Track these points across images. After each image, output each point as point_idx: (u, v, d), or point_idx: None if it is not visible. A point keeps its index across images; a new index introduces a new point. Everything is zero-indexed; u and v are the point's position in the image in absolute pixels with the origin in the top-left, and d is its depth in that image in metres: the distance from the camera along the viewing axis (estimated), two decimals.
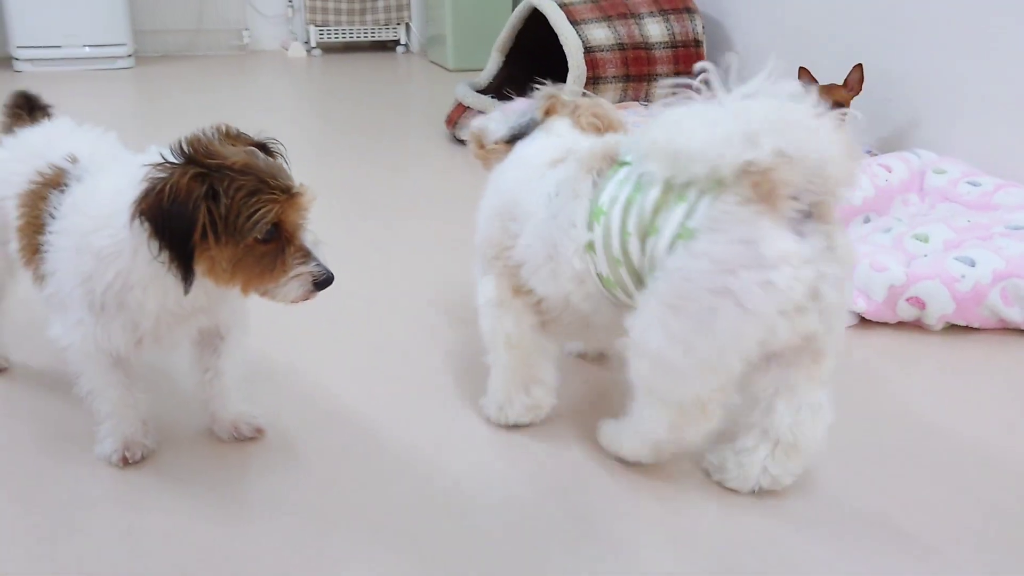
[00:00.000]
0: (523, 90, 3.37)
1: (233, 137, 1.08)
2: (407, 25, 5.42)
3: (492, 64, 3.45)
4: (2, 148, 1.33)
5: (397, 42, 5.47)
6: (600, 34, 2.99)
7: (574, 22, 2.99)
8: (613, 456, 1.28)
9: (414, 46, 5.46)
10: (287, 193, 1.04)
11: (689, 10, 3.12)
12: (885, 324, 1.74)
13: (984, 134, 2.34)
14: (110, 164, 1.19)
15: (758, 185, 1.02)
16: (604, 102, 1.54)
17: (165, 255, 1.01)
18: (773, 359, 1.14)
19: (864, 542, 1.12)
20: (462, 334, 1.70)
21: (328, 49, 5.44)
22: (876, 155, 2.45)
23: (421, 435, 1.35)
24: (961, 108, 2.40)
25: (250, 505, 1.18)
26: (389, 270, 2.02)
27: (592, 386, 1.51)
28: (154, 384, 1.46)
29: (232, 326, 1.25)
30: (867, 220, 2.19)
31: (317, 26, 5.25)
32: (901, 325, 1.74)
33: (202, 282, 1.06)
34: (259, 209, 1.00)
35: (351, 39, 5.36)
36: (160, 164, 1.02)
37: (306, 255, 1.07)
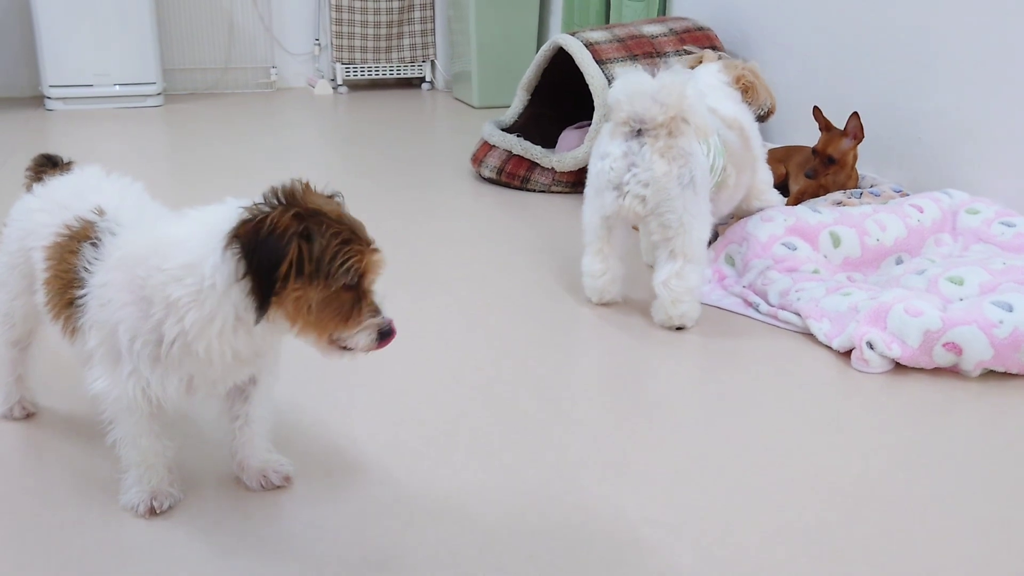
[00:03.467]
0: (549, 128, 3.41)
1: (312, 191, 1.13)
2: (432, 62, 5.46)
3: (518, 102, 3.47)
4: (33, 197, 1.33)
5: (423, 79, 5.51)
6: None
7: (600, 61, 2.99)
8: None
9: (439, 83, 5.50)
10: (370, 247, 1.11)
11: (714, 48, 3.12)
12: (920, 370, 1.71)
13: (1018, 174, 2.31)
14: (140, 216, 1.20)
15: (608, 118, 1.89)
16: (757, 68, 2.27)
17: (248, 282, 1.05)
18: (655, 241, 1.91)
19: None
20: (490, 376, 1.69)
21: (354, 86, 5.49)
22: (907, 195, 2.42)
23: (452, 484, 1.33)
24: (993, 147, 2.37)
25: (279, 557, 1.16)
26: (414, 311, 2.01)
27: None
28: (178, 431, 1.45)
29: (265, 373, 1.25)
30: (899, 261, 2.17)
31: (343, 64, 5.30)
32: (937, 371, 1.71)
33: (266, 326, 1.09)
34: (351, 257, 1.07)
35: (377, 76, 5.41)
36: (257, 205, 1.07)
37: (376, 309, 1.12)
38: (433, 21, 5.36)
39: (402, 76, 5.48)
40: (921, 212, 2.22)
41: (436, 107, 4.98)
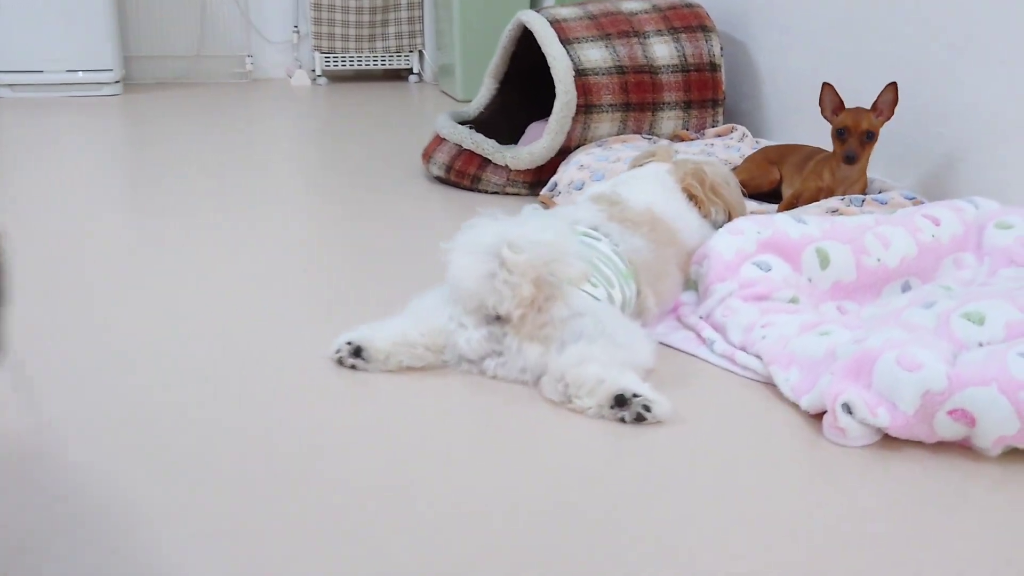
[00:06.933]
0: (520, 120, 2.97)
1: None
2: (420, 53, 5.04)
3: (484, 91, 3.03)
4: None
5: (410, 71, 5.09)
6: (595, 55, 2.54)
7: (565, 41, 2.54)
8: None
9: (427, 75, 5.08)
10: None
11: (705, 28, 2.66)
12: (919, 444, 1.24)
13: None
14: None
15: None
16: (719, 170, 1.86)
17: None
18: None
19: None
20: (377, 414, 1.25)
21: (336, 78, 5.09)
22: (922, 203, 1.95)
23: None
24: None
25: None
26: (322, 326, 1.59)
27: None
28: None
29: None
30: (907, 287, 1.70)
31: (323, 53, 4.90)
32: (941, 447, 1.24)
33: None
34: None
35: (361, 67, 5.00)
36: None
37: None
38: (421, 8, 4.94)
39: (389, 67, 5.06)
40: (937, 225, 1.74)
41: (419, 101, 4.56)
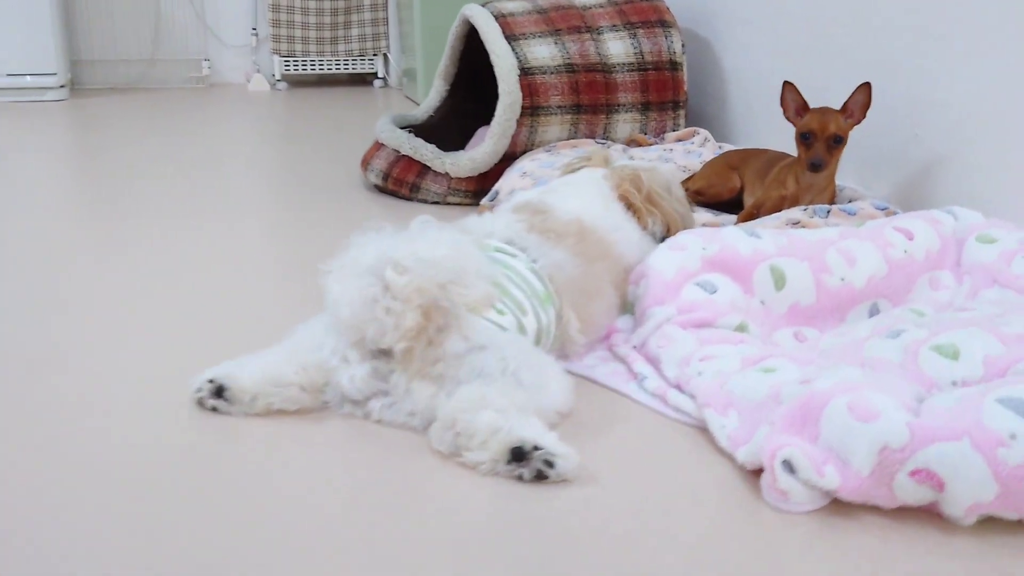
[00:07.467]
0: (472, 124, 2.76)
1: None
2: (385, 56, 4.83)
3: (434, 93, 2.84)
4: None
5: (375, 75, 4.88)
6: (543, 52, 2.33)
7: (511, 37, 2.33)
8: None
9: (393, 80, 4.86)
10: None
11: (664, 23, 2.45)
12: (876, 510, 1.02)
13: None
14: None
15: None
16: (659, 177, 1.64)
17: None
18: None
19: None
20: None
21: (297, 82, 4.88)
22: (895, 213, 1.74)
23: None
24: (1018, 151, 1.67)
25: None
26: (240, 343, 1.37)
27: None
28: None
29: None
30: (875, 311, 1.48)
31: (282, 56, 4.69)
32: (903, 514, 1.01)
33: None
34: None
35: (324, 71, 4.79)
36: None
37: None
38: (385, 9, 4.73)
39: (353, 71, 4.85)
40: (911, 239, 1.53)
41: (382, 106, 4.34)
